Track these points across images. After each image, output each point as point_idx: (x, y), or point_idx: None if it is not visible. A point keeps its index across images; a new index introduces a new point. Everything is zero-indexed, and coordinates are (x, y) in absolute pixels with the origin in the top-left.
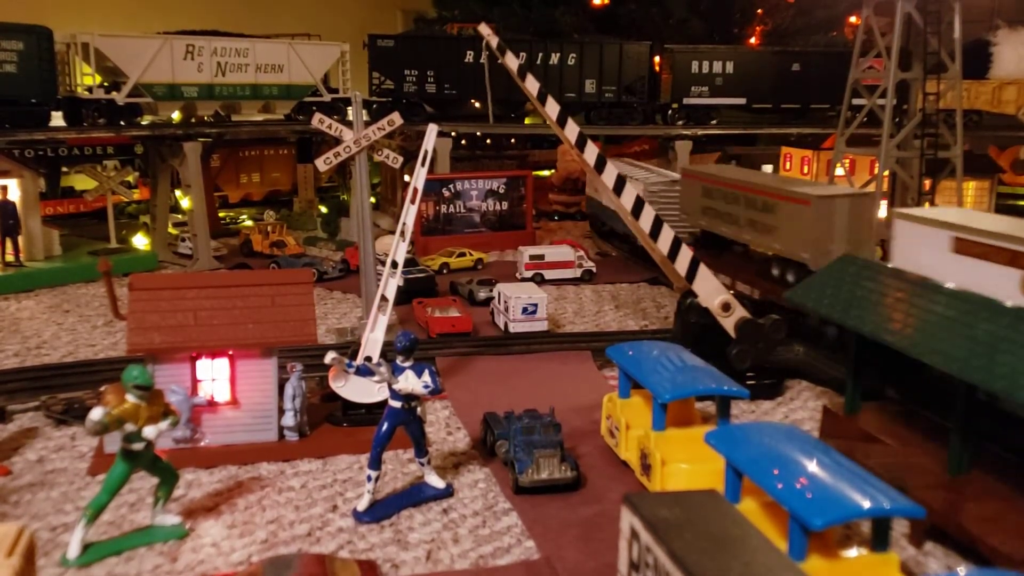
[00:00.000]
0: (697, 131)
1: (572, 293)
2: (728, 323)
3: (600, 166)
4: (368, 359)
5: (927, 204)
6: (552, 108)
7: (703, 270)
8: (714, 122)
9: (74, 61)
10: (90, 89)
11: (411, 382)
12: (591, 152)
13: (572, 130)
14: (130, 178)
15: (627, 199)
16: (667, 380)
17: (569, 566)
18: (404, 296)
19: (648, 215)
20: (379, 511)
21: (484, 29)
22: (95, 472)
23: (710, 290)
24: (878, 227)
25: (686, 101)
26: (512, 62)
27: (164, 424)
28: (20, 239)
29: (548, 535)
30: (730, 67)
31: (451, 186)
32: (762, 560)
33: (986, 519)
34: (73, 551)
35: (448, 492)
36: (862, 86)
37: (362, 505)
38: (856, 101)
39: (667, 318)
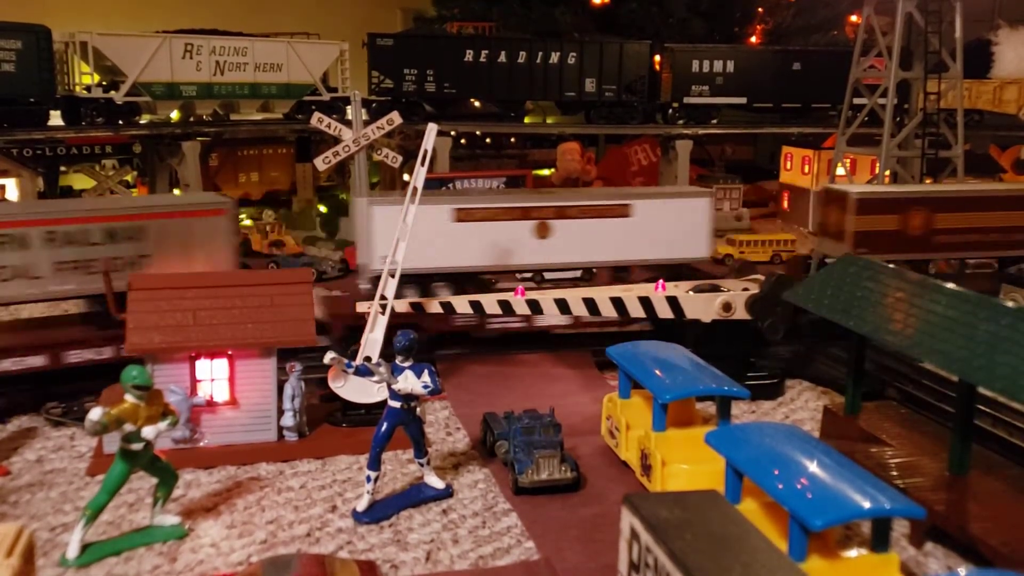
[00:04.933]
0: (698, 130)
1: None
2: (741, 313)
3: None
4: (367, 359)
5: None
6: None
7: (683, 299)
8: (715, 121)
9: (72, 60)
10: (88, 88)
11: (410, 382)
12: None
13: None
14: (128, 177)
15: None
16: (667, 380)
17: (569, 567)
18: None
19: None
20: (378, 511)
21: None
22: (94, 472)
23: (702, 308)
24: None
25: (686, 100)
26: None
27: (163, 424)
28: None
29: (548, 536)
30: (731, 66)
31: (450, 185)
32: (762, 560)
33: (986, 519)
34: (72, 551)
35: (448, 493)
36: (863, 85)
37: (361, 505)
38: (857, 100)
39: None
